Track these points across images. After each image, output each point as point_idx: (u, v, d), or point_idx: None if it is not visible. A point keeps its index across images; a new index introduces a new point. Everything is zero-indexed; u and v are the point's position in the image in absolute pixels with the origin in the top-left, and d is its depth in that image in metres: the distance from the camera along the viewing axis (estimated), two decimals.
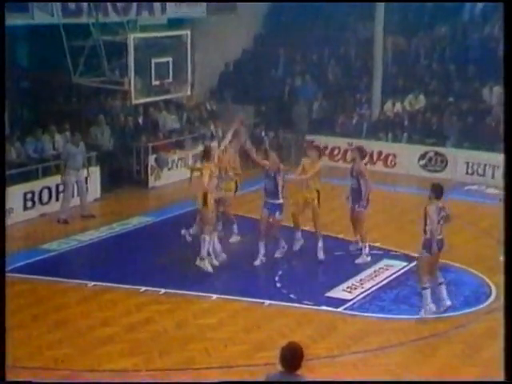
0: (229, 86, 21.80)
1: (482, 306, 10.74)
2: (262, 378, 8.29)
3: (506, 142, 6.59)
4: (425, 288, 10.15)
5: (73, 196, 14.91)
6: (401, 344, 9.52)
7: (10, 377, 6.38)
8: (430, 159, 18.45)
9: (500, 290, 10.80)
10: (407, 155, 18.66)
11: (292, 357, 5.55)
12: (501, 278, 10.51)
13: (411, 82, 20.40)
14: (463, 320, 10.25)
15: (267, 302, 10.79)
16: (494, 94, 19.15)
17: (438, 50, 20.97)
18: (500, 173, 17.44)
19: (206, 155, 11.70)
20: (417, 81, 20.42)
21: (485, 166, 17.65)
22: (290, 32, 22.02)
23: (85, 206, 14.89)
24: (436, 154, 18.39)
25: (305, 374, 5.75)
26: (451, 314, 10.43)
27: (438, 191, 10.15)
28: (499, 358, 8.64)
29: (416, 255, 12.39)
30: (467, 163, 17.92)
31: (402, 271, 12.03)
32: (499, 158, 17.21)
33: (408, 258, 12.45)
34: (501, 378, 8.30)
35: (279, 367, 5.66)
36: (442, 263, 10.77)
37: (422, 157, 18.53)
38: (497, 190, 16.82)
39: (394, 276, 11.86)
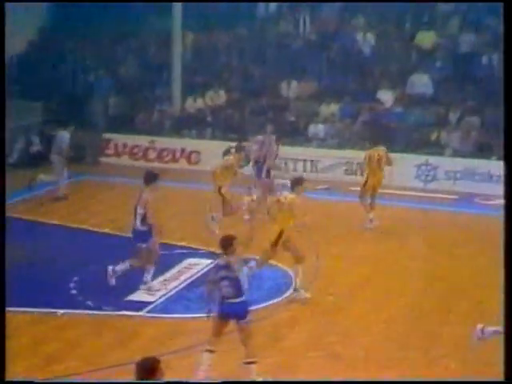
0: (13, 81, 20.23)
1: (283, 297, 10.75)
2: None
3: (505, 149, 6.76)
4: None
5: None
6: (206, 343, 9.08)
7: None
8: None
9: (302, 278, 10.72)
10: (211, 152, 18.40)
11: (143, 371, 5.85)
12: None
13: (211, 77, 20.28)
14: (265, 312, 10.15)
15: (61, 311, 10.09)
16: (291, 89, 19.53)
17: (237, 47, 21.01)
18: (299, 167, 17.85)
19: None
20: (217, 77, 20.30)
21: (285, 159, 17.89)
22: (79, 25, 20.88)
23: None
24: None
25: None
26: (254, 307, 10.18)
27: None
28: (299, 346, 8.59)
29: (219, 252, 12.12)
30: None
31: (207, 269, 11.68)
32: (296, 151, 17.63)
33: (212, 255, 12.13)
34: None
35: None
36: (246, 257, 10.50)
37: (227, 152, 18.32)
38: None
39: (198, 274, 11.61)
